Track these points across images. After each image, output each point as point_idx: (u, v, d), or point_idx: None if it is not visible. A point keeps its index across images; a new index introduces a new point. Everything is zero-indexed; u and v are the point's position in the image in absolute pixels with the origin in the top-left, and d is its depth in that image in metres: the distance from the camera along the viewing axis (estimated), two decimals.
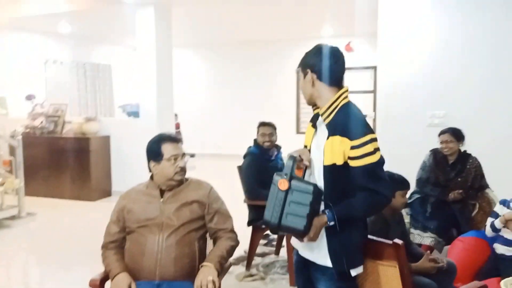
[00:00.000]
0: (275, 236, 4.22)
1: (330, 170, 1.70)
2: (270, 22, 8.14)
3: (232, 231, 2.30)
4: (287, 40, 9.69)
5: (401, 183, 2.50)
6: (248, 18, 7.80)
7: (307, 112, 10.18)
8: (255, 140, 3.82)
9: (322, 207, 1.71)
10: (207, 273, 2.03)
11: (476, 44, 4.62)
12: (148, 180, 2.33)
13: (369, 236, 1.76)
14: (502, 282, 2.43)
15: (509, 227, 2.77)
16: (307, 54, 1.84)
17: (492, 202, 3.73)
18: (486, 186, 3.76)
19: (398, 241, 1.65)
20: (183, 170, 2.22)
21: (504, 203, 2.92)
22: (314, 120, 1.89)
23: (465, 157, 3.68)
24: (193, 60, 10.87)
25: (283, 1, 6.54)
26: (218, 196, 2.35)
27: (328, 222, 1.67)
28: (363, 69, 9.47)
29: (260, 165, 3.66)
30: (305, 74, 1.82)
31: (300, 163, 1.76)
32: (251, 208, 3.65)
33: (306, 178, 1.78)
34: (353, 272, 1.71)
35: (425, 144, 3.92)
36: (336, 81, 1.80)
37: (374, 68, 9.32)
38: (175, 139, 2.28)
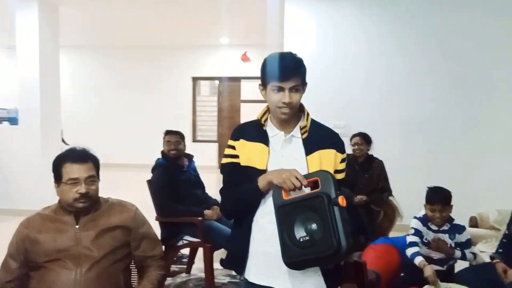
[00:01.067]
0: (186, 253, 3.95)
1: None
2: (167, 27, 7.82)
3: (162, 258, 2.04)
4: (185, 46, 9.43)
5: None
6: (144, 22, 7.39)
7: (204, 119, 10.01)
8: (162, 151, 3.54)
9: None
10: None
11: (375, 63, 5.03)
12: (56, 204, 1.95)
13: None
14: None
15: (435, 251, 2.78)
16: (302, 65, 1.65)
17: (396, 209, 3.97)
18: (389, 190, 4.00)
19: (359, 261, 1.58)
20: (85, 196, 1.84)
21: (423, 221, 2.86)
22: (254, 136, 1.68)
23: (371, 158, 4.04)
24: (86, 63, 9.95)
25: (179, 7, 6.30)
26: (144, 219, 2.06)
27: None
28: (258, 79, 9.60)
29: (171, 178, 3.38)
30: (304, 86, 1.65)
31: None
32: (164, 225, 3.35)
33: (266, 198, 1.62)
34: None
35: None
36: None
37: None
38: (81, 159, 1.87)
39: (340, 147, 1.66)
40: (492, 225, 3.34)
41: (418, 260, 2.68)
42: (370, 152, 4.06)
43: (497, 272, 2.54)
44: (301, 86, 1.62)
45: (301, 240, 1.41)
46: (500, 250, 2.64)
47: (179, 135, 3.53)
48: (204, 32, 8.09)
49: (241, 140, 1.69)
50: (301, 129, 1.65)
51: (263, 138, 1.67)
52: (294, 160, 1.62)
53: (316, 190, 1.46)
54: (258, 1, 5.76)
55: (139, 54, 9.64)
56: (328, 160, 1.62)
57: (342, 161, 1.66)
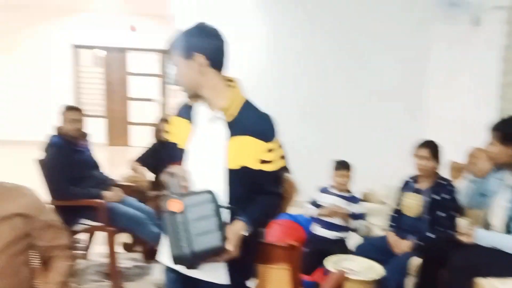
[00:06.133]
0: (83, 238, 3.65)
1: (239, 174, 1.49)
2: None
3: (68, 247, 1.84)
4: (65, 10, 8.54)
5: None
6: None
7: (88, 93, 9.28)
8: (58, 128, 3.19)
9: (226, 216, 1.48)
10: None
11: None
12: None
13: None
14: (326, 262, 2.71)
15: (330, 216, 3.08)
16: (189, 33, 1.50)
17: (293, 185, 4.15)
18: (286, 168, 4.16)
19: (293, 242, 1.60)
20: None
21: (322, 191, 3.24)
22: (186, 113, 1.60)
23: None
24: None
25: None
26: (44, 204, 1.84)
27: (247, 227, 1.47)
28: (147, 51, 9.18)
29: (68, 158, 3.08)
30: (188, 58, 1.48)
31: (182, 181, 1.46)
32: (60, 209, 3.04)
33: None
34: (251, 284, 1.57)
35: None
36: (224, 70, 1.56)
37: (162, 51, 9.17)
38: None
39: (266, 135, 1.53)
40: (380, 199, 3.68)
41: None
42: None
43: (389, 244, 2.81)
44: (180, 61, 1.50)
45: None
46: (393, 224, 2.93)
47: (80, 112, 3.22)
48: None
49: (176, 117, 1.64)
50: (224, 110, 1.53)
51: (189, 114, 1.60)
52: (216, 142, 1.54)
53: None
54: None
55: (12, 12, 8.47)
56: (247, 148, 1.50)
57: (269, 150, 1.53)
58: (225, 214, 1.47)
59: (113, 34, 8.87)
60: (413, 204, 2.81)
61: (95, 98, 9.26)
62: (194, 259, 1.37)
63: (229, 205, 1.49)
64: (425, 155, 2.83)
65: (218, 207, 1.38)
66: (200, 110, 1.59)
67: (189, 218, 1.34)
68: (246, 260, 1.55)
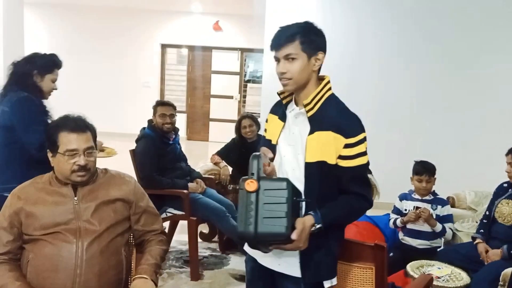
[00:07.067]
0: (165, 225, 3.88)
1: (316, 168, 1.52)
2: None
3: (163, 232, 1.98)
4: (154, 11, 9.05)
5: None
6: None
7: (172, 89, 9.75)
8: (149, 121, 3.41)
9: (302, 211, 1.52)
10: (144, 287, 1.69)
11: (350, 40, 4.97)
12: (51, 174, 1.83)
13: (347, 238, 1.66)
14: (408, 266, 2.63)
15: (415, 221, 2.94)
16: (312, 31, 1.55)
17: (374, 187, 4.05)
18: (368, 169, 4.07)
19: (380, 243, 1.59)
20: (83, 169, 1.73)
21: (403, 198, 3.11)
22: (279, 111, 1.68)
23: None
24: (47, 22, 9.34)
25: None
26: (143, 192, 1.99)
27: (316, 224, 1.47)
28: (230, 50, 9.43)
29: (158, 150, 3.28)
30: (312, 55, 1.53)
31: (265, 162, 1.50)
32: (148, 197, 3.26)
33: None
34: (327, 284, 1.58)
35: None
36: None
37: (241, 49, 9.39)
38: (79, 128, 1.75)
39: (345, 130, 1.52)
40: (469, 205, 3.49)
41: (399, 222, 2.99)
42: None
43: (478, 252, 2.66)
44: (299, 54, 1.52)
45: None
46: (482, 231, 2.77)
47: (172, 107, 3.40)
48: None
49: (270, 115, 1.74)
50: (304, 106, 1.56)
51: (281, 113, 1.67)
52: (299, 137, 1.59)
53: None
54: None
55: (106, 15, 9.14)
56: (325, 144, 1.51)
57: (347, 146, 1.52)
58: (301, 207, 1.51)
59: (198, 33, 9.22)
60: (508, 211, 2.63)
61: (178, 95, 9.70)
62: (257, 239, 1.41)
63: (305, 199, 1.51)
64: None
65: (291, 196, 1.40)
66: (290, 107, 1.66)
67: (261, 200, 1.39)
68: (321, 259, 1.56)
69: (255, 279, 1.74)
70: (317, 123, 1.54)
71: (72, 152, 1.72)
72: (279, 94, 1.69)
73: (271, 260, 1.61)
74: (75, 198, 1.76)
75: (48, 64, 2.48)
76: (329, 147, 1.52)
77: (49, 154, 1.79)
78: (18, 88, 2.37)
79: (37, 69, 2.43)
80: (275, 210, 1.40)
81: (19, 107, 2.31)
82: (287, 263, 1.58)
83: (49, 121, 2.34)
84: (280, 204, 1.40)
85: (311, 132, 1.54)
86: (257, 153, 1.48)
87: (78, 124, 1.78)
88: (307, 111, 1.55)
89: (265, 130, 1.76)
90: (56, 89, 2.54)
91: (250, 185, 1.38)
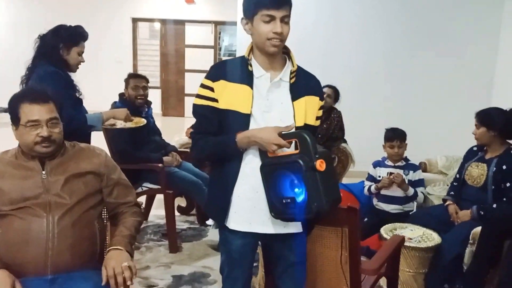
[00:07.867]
0: (142, 201, 3.85)
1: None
2: None
3: (137, 204, 1.96)
4: None
5: None
6: None
7: (145, 64, 9.55)
8: (121, 95, 3.34)
9: None
10: (119, 258, 1.67)
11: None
12: (17, 148, 1.78)
13: None
14: (382, 229, 2.69)
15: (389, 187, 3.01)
16: None
17: (349, 156, 4.11)
18: (343, 138, 4.14)
19: (353, 205, 1.61)
20: (47, 140, 1.68)
21: (376, 165, 3.17)
22: (237, 77, 1.58)
23: (331, 109, 4.09)
24: None
25: None
26: (115, 164, 1.96)
27: None
28: (203, 23, 9.25)
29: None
30: (289, 15, 1.56)
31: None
32: (123, 171, 3.21)
33: None
34: None
35: None
36: None
37: (214, 23, 9.23)
38: (40, 99, 1.70)
39: (321, 95, 1.69)
40: (440, 170, 3.57)
41: (373, 188, 3.07)
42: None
43: (449, 213, 2.74)
44: (289, 20, 1.54)
45: (284, 202, 1.48)
46: (452, 193, 2.83)
47: (146, 80, 3.33)
48: None
49: (221, 81, 1.57)
50: (291, 73, 1.59)
51: (248, 79, 1.58)
52: (279, 104, 1.58)
53: (295, 152, 1.47)
54: None
55: None
56: (312, 107, 1.62)
57: (321, 108, 1.68)
58: None
59: (170, 6, 8.99)
60: (477, 174, 2.69)
61: (152, 70, 9.52)
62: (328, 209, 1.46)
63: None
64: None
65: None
66: (257, 73, 1.59)
67: (325, 173, 1.43)
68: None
69: (247, 252, 1.68)
70: (301, 89, 1.59)
71: (34, 123, 1.67)
72: (247, 58, 1.59)
73: (274, 227, 1.60)
74: (43, 172, 1.72)
75: (74, 36, 2.50)
76: (313, 110, 1.62)
77: (13, 127, 1.74)
78: (45, 62, 2.39)
79: (63, 42, 2.44)
80: (331, 180, 1.50)
81: (47, 82, 2.26)
82: (293, 223, 1.60)
83: (77, 95, 2.49)
84: (334, 174, 1.53)
85: (296, 98, 1.58)
86: (307, 132, 1.47)
87: (40, 95, 1.72)
88: (291, 78, 1.59)
89: (211, 99, 1.58)
90: (83, 61, 2.58)
91: (322, 165, 1.41)
